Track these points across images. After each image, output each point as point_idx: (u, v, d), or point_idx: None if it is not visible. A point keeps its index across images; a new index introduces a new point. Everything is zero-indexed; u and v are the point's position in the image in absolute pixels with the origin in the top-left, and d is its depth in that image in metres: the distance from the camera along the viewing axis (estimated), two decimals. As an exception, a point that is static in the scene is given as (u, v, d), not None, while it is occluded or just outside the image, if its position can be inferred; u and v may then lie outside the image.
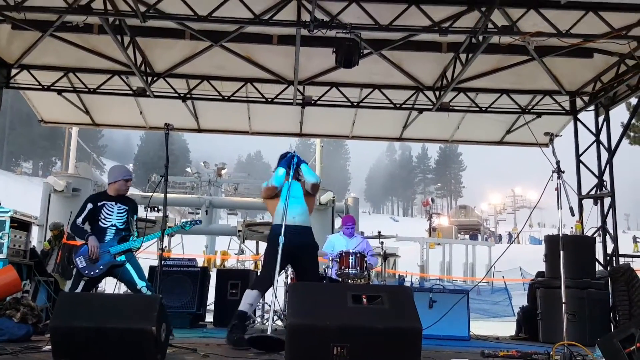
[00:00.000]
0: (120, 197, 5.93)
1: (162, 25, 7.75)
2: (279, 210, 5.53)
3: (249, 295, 5.34)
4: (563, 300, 4.97)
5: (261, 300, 7.37)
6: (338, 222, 18.91)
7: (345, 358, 3.45)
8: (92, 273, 5.69)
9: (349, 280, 7.16)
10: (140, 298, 4.96)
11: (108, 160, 71.54)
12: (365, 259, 7.47)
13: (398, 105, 9.47)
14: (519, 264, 26.22)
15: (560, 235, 5.14)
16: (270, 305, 8.22)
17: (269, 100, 9.35)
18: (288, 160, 5.74)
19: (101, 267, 5.69)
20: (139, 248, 5.86)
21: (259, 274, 5.66)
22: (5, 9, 6.63)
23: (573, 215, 5.28)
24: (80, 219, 5.79)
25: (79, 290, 5.66)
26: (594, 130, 9.17)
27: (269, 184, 5.73)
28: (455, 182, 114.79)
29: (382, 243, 8.87)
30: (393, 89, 9.28)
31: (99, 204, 5.84)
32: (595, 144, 9.06)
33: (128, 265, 5.76)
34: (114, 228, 5.78)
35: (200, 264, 9.11)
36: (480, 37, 6.97)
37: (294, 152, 5.84)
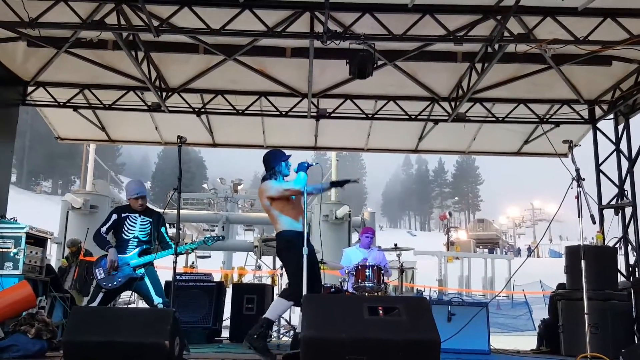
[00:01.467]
0: (144, 210, 5.95)
1: (176, 39, 7.79)
2: (294, 216, 5.32)
3: (284, 306, 5.16)
4: (585, 311, 4.82)
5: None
6: (354, 236, 18.81)
7: (361, 371, 3.35)
8: (109, 285, 5.68)
9: (366, 294, 7.06)
10: (153, 312, 4.90)
11: (126, 178, 72.04)
12: (382, 271, 7.37)
13: (413, 117, 9.39)
14: (539, 277, 25.82)
15: (582, 245, 5.01)
16: (287, 321, 8.21)
17: (283, 113, 9.34)
18: (304, 168, 5.44)
19: (119, 279, 5.68)
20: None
21: (292, 285, 5.22)
22: (20, 26, 6.70)
23: (594, 223, 5.15)
24: (104, 228, 5.84)
25: (97, 302, 5.64)
26: (613, 139, 9.01)
27: (297, 187, 5.33)
28: (473, 196, 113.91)
29: (399, 256, 8.76)
30: (408, 100, 9.22)
31: (123, 215, 5.88)
32: (615, 152, 8.90)
33: (146, 279, 5.73)
34: (136, 240, 5.80)
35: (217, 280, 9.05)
36: (496, 46, 6.91)
37: (306, 163, 5.53)
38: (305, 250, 5.08)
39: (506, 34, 6.67)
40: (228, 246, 27.83)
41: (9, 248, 6.30)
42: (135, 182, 6.25)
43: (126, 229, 5.82)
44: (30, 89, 8.96)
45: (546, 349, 7.93)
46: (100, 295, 5.73)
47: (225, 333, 8.77)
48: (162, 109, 9.08)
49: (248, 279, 23.02)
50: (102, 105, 9.29)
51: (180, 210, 5.60)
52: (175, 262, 5.06)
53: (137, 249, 5.77)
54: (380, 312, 3.69)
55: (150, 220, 5.92)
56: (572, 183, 5.06)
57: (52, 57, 8.14)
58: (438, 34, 6.81)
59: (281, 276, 10.83)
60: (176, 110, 9.27)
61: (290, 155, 5.61)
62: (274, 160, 5.57)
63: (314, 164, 5.57)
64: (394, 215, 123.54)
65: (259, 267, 19.96)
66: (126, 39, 7.28)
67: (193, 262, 20.50)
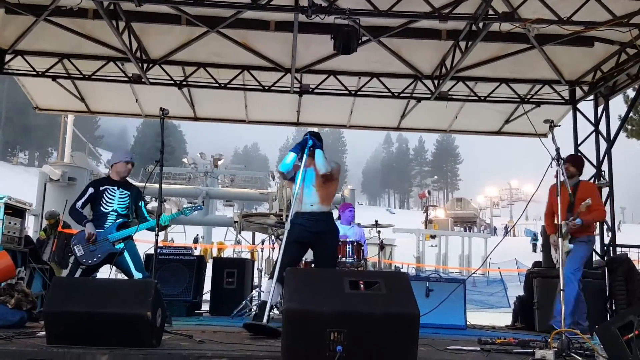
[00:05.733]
0: (123, 183, 5.86)
1: (158, 10, 7.66)
2: (295, 197, 5.42)
3: (266, 284, 5.43)
4: (561, 288, 4.92)
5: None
6: (334, 213, 18.90)
7: (342, 343, 3.40)
8: (89, 262, 5.60)
9: (346, 269, 7.13)
10: (135, 283, 4.89)
11: (104, 151, 71.31)
12: (362, 247, 7.46)
13: (396, 94, 9.40)
14: (514, 255, 26.28)
15: (560, 223, 5.09)
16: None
17: (266, 88, 9.27)
18: (302, 144, 5.48)
19: (99, 255, 5.59)
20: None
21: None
22: (-1, -8, 6.53)
23: (573, 202, 5.23)
24: (79, 203, 5.71)
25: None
26: (592, 120, 9.13)
27: (278, 168, 5.63)
28: (452, 175, 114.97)
29: (379, 232, 8.86)
30: (391, 78, 9.21)
31: (101, 188, 5.75)
32: (594, 134, 9.03)
33: (126, 254, 5.66)
34: (115, 214, 5.69)
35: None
36: (481, 24, 6.90)
37: (307, 136, 5.53)
38: (287, 225, 5.15)
39: (491, 12, 6.67)
40: (207, 221, 27.81)
41: (-13, 219, 6.23)
42: (125, 149, 6.22)
43: (104, 201, 5.71)
44: (8, 57, 8.76)
45: (521, 325, 8.12)
46: (79, 270, 5.67)
47: (206, 307, 8.81)
48: (143, 80, 8.96)
49: (227, 253, 23.07)
50: (81, 76, 9.12)
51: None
52: (157, 235, 5.04)
53: (115, 223, 5.69)
54: (361, 286, 3.73)
55: (129, 193, 5.83)
56: (551, 162, 5.11)
57: (31, 25, 7.94)
58: (423, 10, 6.79)
59: (262, 251, 10.90)
60: (157, 82, 9.15)
61: (305, 135, 5.63)
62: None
63: (307, 136, 5.55)
64: (373, 192, 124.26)
65: (238, 242, 20.00)
66: (107, 8, 7.13)
67: (172, 239, 20.47)
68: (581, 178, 8.68)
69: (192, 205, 6.50)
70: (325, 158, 5.47)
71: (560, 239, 5.08)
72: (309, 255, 5.85)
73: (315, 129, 20.70)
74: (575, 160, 6.58)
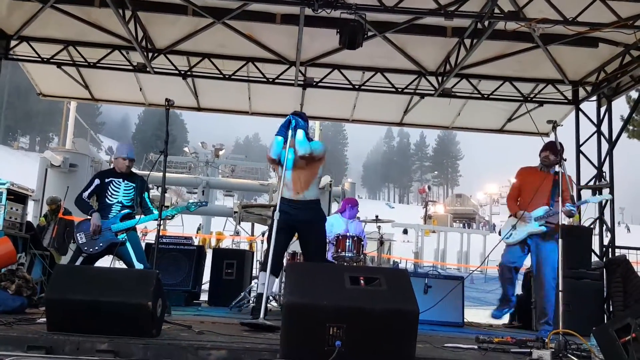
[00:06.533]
0: (128, 174, 5.92)
1: (165, -1, 7.66)
2: (282, 182, 5.23)
3: (260, 277, 5.44)
4: (560, 289, 4.95)
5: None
6: (334, 206, 18.93)
7: (341, 338, 3.43)
8: (91, 250, 5.67)
9: (345, 264, 7.17)
10: (137, 273, 4.93)
11: (105, 138, 71.34)
12: (362, 242, 7.49)
13: (400, 90, 9.39)
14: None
15: (560, 223, 5.11)
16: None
17: (270, 80, 9.26)
18: (286, 125, 5.28)
19: (101, 244, 5.66)
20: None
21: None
22: (6, -22, 6.52)
23: (574, 203, 5.26)
24: (86, 193, 5.81)
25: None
26: (595, 121, 9.13)
27: (267, 153, 5.46)
28: (452, 171, 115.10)
29: (379, 227, 8.89)
30: (395, 73, 9.21)
31: (107, 180, 5.84)
32: (596, 134, 9.03)
33: (128, 245, 5.72)
34: (120, 205, 5.78)
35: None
36: (486, 23, 6.89)
37: (290, 116, 5.30)
38: (275, 214, 5.04)
39: (496, 10, 6.66)
40: (207, 211, 27.80)
41: (-11, 204, 6.25)
42: (127, 144, 6.27)
43: (110, 193, 5.79)
44: (13, 43, 8.75)
45: (518, 323, 8.15)
46: (80, 259, 5.73)
47: (204, 297, 8.85)
48: (148, 69, 8.94)
49: (226, 244, 23.11)
50: (86, 63, 9.11)
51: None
52: (159, 225, 5.08)
53: (119, 214, 5.75)
54: (362, 281, 3.76)
55: (134, 185, 5.90)
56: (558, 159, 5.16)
57: (37, 11, 7.92)
58: (429, 7, 6.77)
59: (261, 243, 10.94)
60: (162, 72, 9.13)
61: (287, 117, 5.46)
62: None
63: (291, 115, 5.35)
64: (373, 186, 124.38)
65: (237, 233, 20.06)
66: (113, -5, 7.13)
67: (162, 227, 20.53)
68: (582, 178, 8.73)
69: (197, 201, 6.57)
70: (307, 139, 5.32)
71: (560, 239, 5.09)
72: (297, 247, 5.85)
73: (317, 122, 20.61)
74: (556, 149, 6.43)
